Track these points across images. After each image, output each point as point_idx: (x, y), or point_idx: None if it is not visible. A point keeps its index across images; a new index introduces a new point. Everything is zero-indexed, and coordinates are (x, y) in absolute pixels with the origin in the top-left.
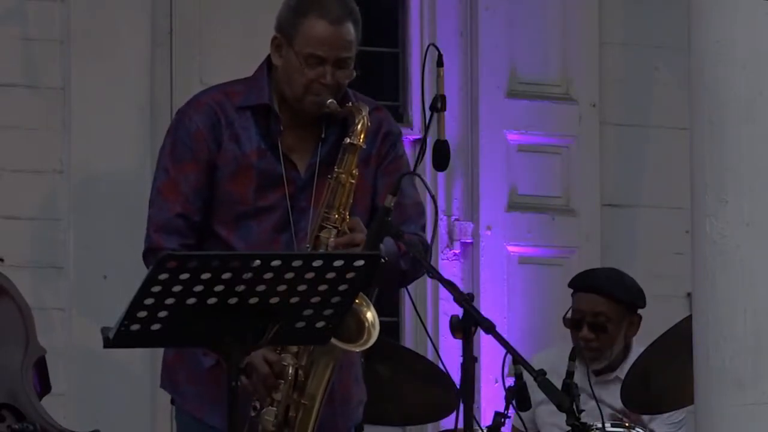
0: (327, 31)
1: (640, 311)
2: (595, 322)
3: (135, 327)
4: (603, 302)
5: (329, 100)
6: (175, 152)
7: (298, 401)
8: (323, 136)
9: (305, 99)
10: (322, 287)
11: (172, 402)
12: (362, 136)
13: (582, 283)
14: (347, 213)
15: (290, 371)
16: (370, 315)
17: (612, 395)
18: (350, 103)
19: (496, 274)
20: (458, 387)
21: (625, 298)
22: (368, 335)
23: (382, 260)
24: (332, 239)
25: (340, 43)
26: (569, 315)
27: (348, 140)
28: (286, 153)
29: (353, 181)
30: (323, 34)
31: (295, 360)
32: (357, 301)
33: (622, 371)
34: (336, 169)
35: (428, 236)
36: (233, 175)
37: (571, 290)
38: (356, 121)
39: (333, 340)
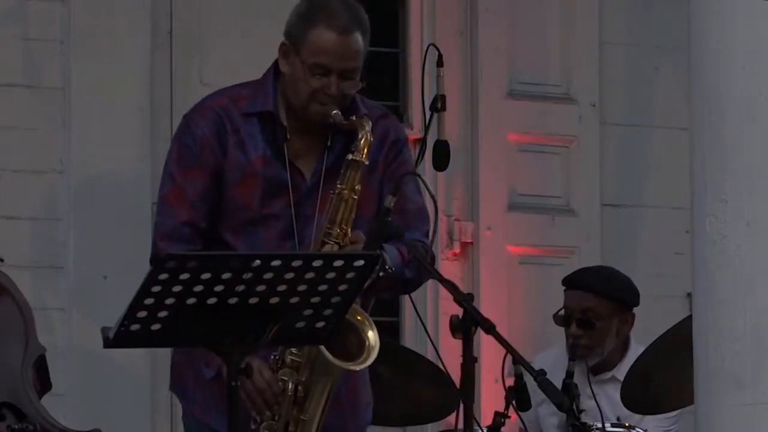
0: (334, 41)
1: (635, 309)
2: (582, 319)
3: (135, 327)
4: (590, 298)
5: (334, 111)
6: (182, 158)
7: (297, 417)
8: (329, 143)
9: (309, 107)
10: (322, 287)
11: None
12: (365, 152)
13: (571, 281)
14: (349, 228)
15: (290, 387)
16: (372, 335)
17: (609, 396)
18: (354, 117)
19: (496, 274)
20: (458, 387)
21: (614, 294)
22: (367, 355)
23: (389, 270)
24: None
25: (346, 54)
26: (561, 312)
27: (351, 156)
28: (292, 160)
29: (355, 197)
30: (330, 44)
31: (295, 375)
32: (359, 319)
33: (620, 371)
34: (338, 185)
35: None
36: (239, 181)
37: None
38: (359, 136)
39: (332, 359)
